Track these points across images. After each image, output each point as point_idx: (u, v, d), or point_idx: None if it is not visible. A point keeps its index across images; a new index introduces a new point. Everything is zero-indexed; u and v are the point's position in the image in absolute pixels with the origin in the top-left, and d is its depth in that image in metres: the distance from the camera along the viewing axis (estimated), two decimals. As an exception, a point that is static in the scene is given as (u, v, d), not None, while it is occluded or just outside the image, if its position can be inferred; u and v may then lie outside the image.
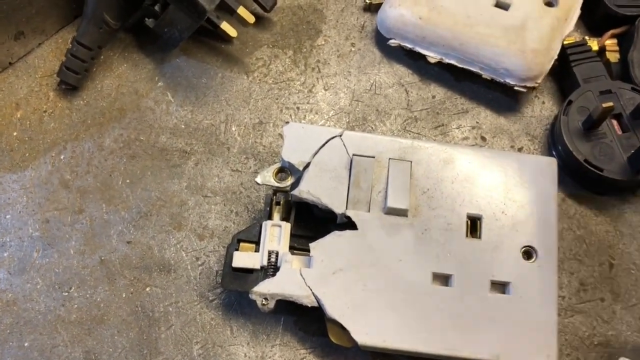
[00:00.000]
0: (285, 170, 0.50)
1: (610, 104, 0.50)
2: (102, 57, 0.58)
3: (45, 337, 0.48)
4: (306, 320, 0.49)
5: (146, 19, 0.56)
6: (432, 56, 0.56)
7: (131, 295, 0.49)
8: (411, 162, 0.48)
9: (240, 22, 0.56)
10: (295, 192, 0.48)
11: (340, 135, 0.49)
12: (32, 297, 0.49)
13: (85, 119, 0.55)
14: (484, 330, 0.44)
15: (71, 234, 0.51)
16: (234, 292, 0.49)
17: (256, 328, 0.48)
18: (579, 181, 0.54)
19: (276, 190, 0.50)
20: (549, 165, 0.49)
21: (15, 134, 0.55)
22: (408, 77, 0.58)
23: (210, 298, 0.49)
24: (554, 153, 0.54)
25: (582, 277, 0.51)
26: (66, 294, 0.49)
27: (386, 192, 0.47)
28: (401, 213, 0.47)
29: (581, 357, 0.48)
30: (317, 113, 0.56)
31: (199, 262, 0.50)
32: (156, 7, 0.55)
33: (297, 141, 0.49)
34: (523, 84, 0.54)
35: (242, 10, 0.55)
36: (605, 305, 0.50)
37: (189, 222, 0.52)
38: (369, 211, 0.47)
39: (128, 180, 0.53)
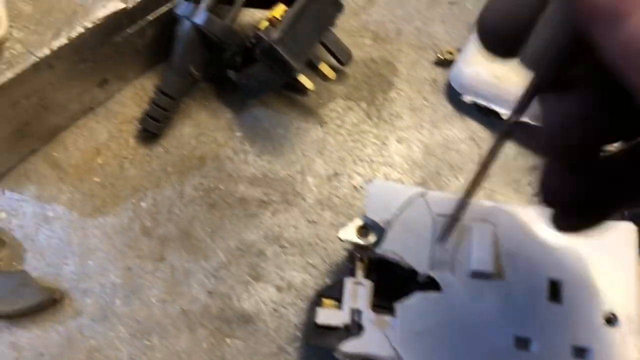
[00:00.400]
0: (368, 227, 0.50)
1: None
2: (182, 104, 0.59)
3: (128, 386, 0.49)
4: (383, 376, 0.49)
5: (228, 70, 0.57)
6: (506, 113, 0.57)
7: (212, 346, 0.50)
8: (495, 225, 0.49)
9: (320, 76, 0.57)
10: (379, 250, 0.48)
11: (424, 196, 0.50)
12: (115, 345, 0.50)
13: (165, 167, 0.56)
14: (567, 397, 0.45)
15: (152, 282, 0.52)
16: (315, 347, 0.49)
17: (335, 384, 0.49)
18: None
19: (357, 247, 0.50)
20: (629, 230, 0.50)
21: (96, 179, 0.56)
22: (480, 132, 0.59)
23: (289, 351, 0.50)
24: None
25: (657, 342, 0.51)
26: (148, 342, 0.50)
27: (470, 254, 0.48)
28: (485, 276, 0.47)
29: (658, 423, 0.49)
30: (390, 166, 0.57)
31: (277, 314, 0.51)
32: (237, 58, 0.56)
33: (380, 199, 0.50)
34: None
35: (323, 67, 0.56)
36: (681, 371, 0.50)
37: (266, 272, 0.53)
38: (452, 272, 0.48)
39: (208, 229, 0.54)
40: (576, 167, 0.24)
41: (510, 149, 0.58)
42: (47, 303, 0.50)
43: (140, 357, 0.49)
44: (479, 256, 0.48)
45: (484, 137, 0.59)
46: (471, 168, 0.57)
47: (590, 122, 0.22)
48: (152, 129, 0.56)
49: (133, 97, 0.59)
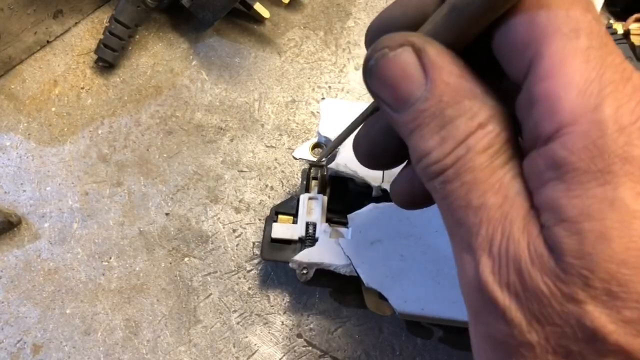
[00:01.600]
0: (321, 145, 0.51)
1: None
2: (137, 36, 0.59)
3: (86, 304, 0.49)
4: (342, 292, 0.50)
5: (182, -2, 0.57)
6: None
7: (170, 265, 0.50)
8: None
9: (273, 2, 0.57)
10: (332, 165, 0.49)
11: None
12: (73, 267, 0.50)
13: (121, 96, 0.56)
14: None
15: (110, 206, 0.52)
16: (272, 263, 0.50)
17: (293, 298, 0.49)
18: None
19: (312, 165, 0.51)
20: None
21: (53, 109, 0.56)
22: (437, 58, 0.59)
23: (248, 268, 0.50)
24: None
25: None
26: (106, 263, 0.50)
27: (422, 165, 0.48)
28: (436, 186, 0.48)
29: None
30: (348, 92, 0.58)
31: (236, 234, 0.51)
32: (191, -13, 0.56)
33: (333, 116, 0.50)
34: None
35: (277, -9, 0.56)
36: None
37: (225, 195, 0.53)
38: (404, 184, 0.48)
39: (165, 155, 0.54)
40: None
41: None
42: (4, 226, 0.50)
43: (98, 277, 0.50)
44: (431, 166, 0.48)
45: (441, 62, 0.59)
46: (428, 92, 0.58)
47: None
48: (108, 58, 0.56)
49: (90, 30, 0.59)
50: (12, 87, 0.56)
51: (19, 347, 0.47)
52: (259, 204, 0.53)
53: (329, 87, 0.58)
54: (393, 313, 0.46)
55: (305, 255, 0.47)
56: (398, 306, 0.45)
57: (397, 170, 0.33)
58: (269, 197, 0.53)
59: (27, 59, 0.57)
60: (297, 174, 0.54)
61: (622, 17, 0.60)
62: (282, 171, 0.54)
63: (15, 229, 0.51)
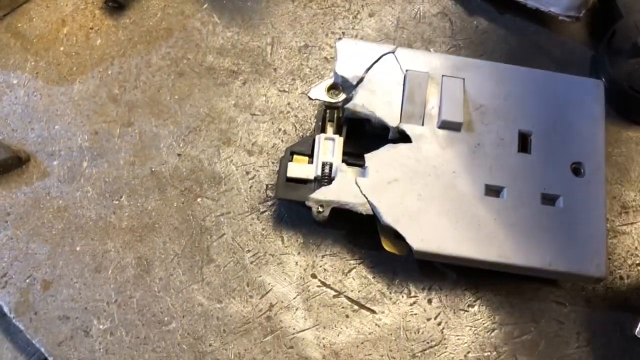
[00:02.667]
0: (337, 86, 0.50)
1: (658, 29, 0.51)
2: (147, -22, 0.58)
3: (96, 242, 0.48)
4: (355, 234, 0.49)
5: (195, -62, 0.55)
6: (477, -14, 0.57)
7: (182, 205, 0.49)
8: (464, 79, 0.49)
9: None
10: (350, 105, 0.48)
11: (394, 52, 0.50)
12: (83, 205, 0.49)
13: (132, 37, 0.55)
14: (535, 239, 0.45)
15: (120, 146, 0.51)
16: (285, 203, 0.49)
17: (306, 239, 0.49)
18: (622, 110, 0.54)
19: (328, 107, 0.50)
20: (596, 86, 0.50)
21: (62, 49, 0.54)
22: (452, 7, 0.59)
23: (261, 210, 0.50)
24: (597, 81, 0.55)
25: (625, 201, 0.52)
26: (117, 202, 0.49)
27: (440, 106, 0.48)
28: (455, 127, 0.48)
29: (624, 275, 0.49)
30: (362, 38, 0.57)
31: (249, 176, 0.51)
32: None
33: (351, 57, 0.49)
34: (567, 13, 0.55)
35: None
36: (646, 227, 0.51)
37: (237, 138, 0.52)
38: (422, 125, 0.48)
39: (176, 97, 0.53)
40: None
41: (481, 23, 0.58)
42: (13, 162, 0.49)
43: (109, 215, 0.49)
44: (449, 107, 0.48)
45: (455, 11, 0.58)
46: (442, 41, 0.57)
47: None
48: (118, -1, 0.55)
49: (98, -29, 0.58)
50: (19, 25, 0.55)
51: (29, 283, 0.47)
52: (272, 147, 0.52)
53: (343, 32, 0.57)
54: (409, 252, 0.45)
55: (323, 193, 0.46)
56: (415, 244, 0.45)
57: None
58: (282, 140, 0.52)
59: (34, -2, 0.56)
60: (310, 119, 0.53)
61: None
62: (296, 115, 0.53)
63: (24, 166, 0.50)
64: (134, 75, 0.54)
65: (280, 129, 0.53)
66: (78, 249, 0.48)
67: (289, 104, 0.54)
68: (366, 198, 0.46)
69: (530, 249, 0.45)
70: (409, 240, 0.45)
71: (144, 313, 0.46)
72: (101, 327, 0.46)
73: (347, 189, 0.46)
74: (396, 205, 0.45)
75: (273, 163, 0.51)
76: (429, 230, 0.45)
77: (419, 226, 0.45)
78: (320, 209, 0.46)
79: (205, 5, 0.57)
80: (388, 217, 0.45)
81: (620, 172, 0.53)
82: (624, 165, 0.53)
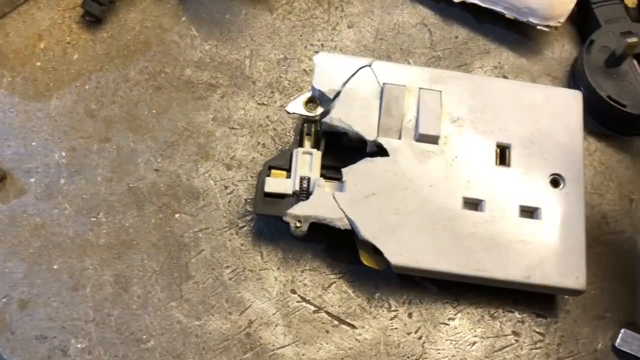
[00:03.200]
0: (315, 100, 0.50)
1: (635, 39, 0.51)
2: (125, -9, 0.57)
3: (74, 260, 0.48)
4: (335, 248, 0.49)
5: (172, -49, 0.55)
6: (456, -4, 0.57)
7: (160, 221, 0.49)
8: (441, 91, 0.49)
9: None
10: (327, 119, 0.48)
11: (371, 65, 0.49)
12: (60, 222, 0.49)
13: (109, 51, 0.55)
14: (514, 252, 0.45)
15: (98, 162, 0.51)
16: (264, 217, 0.49)
17: (286, 254, 0.49)
18: (601, 119, 0.54)
19: (305, 120, 0.50)
20: (575, 97, 0.50)
21: (38, 64, 0.54)
22: (431, 17, 0.58)
23: (240, 225, 0.49)
24: (576, 91, 0.55)
25: (604, 211, 0.52)
26: (94, 219, 0.49)
27: (417, 119, 0.48)
28: (432, 140, 0.47)
29: (604, 286, 0.49)
30: (341, 50, 0.57)
31: (228, 191, 0.50)
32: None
33: (328, 70, 0.49)
34: (545, 23, 0.55)
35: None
36: (626, 237, 0.51)
37: (216, 152, 0.52)
38: (400, 138, 0.48)
39: (154, 111, 0.53)
40: None
41: (461, 33, 0.58)
42: (-13, 180, 0.48)
43: (87, 233, 0.49)
44: (426, 120, 0.48)
45: (435, 22, 0.58)
46: (422, 52, 0.57)
47: None
48: (95, 12, 0.54)
49: (76, -15, 0.57)
50: (-5, 41, 0.55)
51: (5, 302, 0.46)
52: (251, 161, 0.52)
53: (322, 44, 0.57)
54: (387, 267, 0.45)
55: (300, 209, 0.46)
56: (393, 259, 0.44)
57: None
58: (261, 154, 0.52)
59: (11, 13, 0.56)
60: (289, 132, 0.53)
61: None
62: (274, 129, 0.53)
63: (0, 184, 0.49)
64: (112, 90, 0.53)
65: (259, 143, 0.53)
66: (55, 267, 0.47)
67: (267, 117, 0.54)
68: (344, 213, 0.45)
69: (509, 262, 0.45)
70: (386, 255, 0.44)
71: (122, 331, 0.46)
72: (79, 346, 0.45)
73: (324, 204, 0.46)
74: (374, 219, 0.45)
75: (252, 177, 0.51)
76: (406, 244, 0.45)
77: (397, 240, 0.45)
78: (298, 224, 0.46)
79: (184, 19, 0.57)
80: (366, 231, 0.45)
81: (600, 182, 0.53)
82: (603, 174, 0.53)
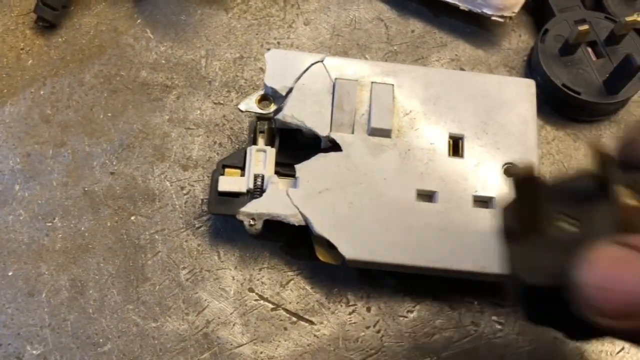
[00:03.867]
0: (268, 97, 0.50)
1: (586, 26, 0.51)
2: (79, -5, 0.57)
3: (29, 266, 0.47)
4: (292, 245, 0.49)
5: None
6: (411, -10, 0.57)
7: (116, 224, 0.49)
8: (393, 85, 0.49)
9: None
10: (279, 116, 0.48)
11: (322, 61, 0.49)
12: (15, 228, 0.48)
13: (64, 56, 0.55)
14: (469, 243, 0.45)
15: (53, 167, 0.51)
16: (221, 217, 0.49)
17: (243, 253, 0.49)
18: (557, 108, 0.55)
19: (259, 117, 0.50)
20: (528, 86, 0.50)
21: (-8, 71, 0.54)
22: (387, 12, 0.59)
23: (197, 225, 0.49)
24: (531, 80, 0.55)
25: (562, 199, 0.52)
26: (50, 224, 0.49)
27: (369, 113, 0.48)
28: (384, 134, 0.47)
29: (562, 273, 0.49)
30: (297, 47, 0.57)
31: (184, 192, 0.50)
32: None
33: (280, 67, 0.49)
34: (500, 14, 0.55)
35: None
36: (584, 224, 0.51)
37: (172, 153, 0.52)
38: (352, 133, 0.47)
39: (110, 114, 0.53)
40: None
41: (417, 27, 0.58)
42: (-60, 188, 0.48)
43: (42, 238, 0.48)
44: (378, 114, 0.48)
45: (391, 16, 0.58)
46: (378, 47, 0.57)
47: None
48: (48, 17, 0.54)
49: (29, -9, 0.57)
50: (-51, 49, 0.54)
51: (-41, 311, 0.46)
52: (208, 160, 0.52)
53: (278, 42, 0.57)
54: (343, 262, 0.45)
55: (253, 206, 0.46)
56: (347, 253, 0.44)
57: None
58: (217, 154, 0.52)
59: (-36, 21, 0.55)
60: (246, 131, 0.53)
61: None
62: (231, 128, 0.53)
63: (-46, 192, 0.49)
64: (67, 94, 0.53)
65: (215, 142, 0.52)
66: (10, 273, 0.47)
67: (224, 116, 0.53)
68: (297, 209, 0.45)
69: (463, 252, 0.45)
70: (340, 250, 0.44)
71: (78, 336, 0.46)
72: (34, 352, 0.45)
73: (278, 201, 0.46)
74: (327, 214, 0.45)
75: (208, 177, 0.51)
76: (360, 238, 0.45)
77: (351, 235, 0.45)
78: (252, 222, 0.45)
79: (139, 21, 0.57)
80: (320, 227, 0.45)
81: (558, 170, 0.53)
82: (561, 162, 0.53)
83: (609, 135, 0.54)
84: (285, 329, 0.47)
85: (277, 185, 0.46)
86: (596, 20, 0.55)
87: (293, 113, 0.48)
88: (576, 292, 0.26)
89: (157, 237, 0.49)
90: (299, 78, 0.49)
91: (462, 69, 0.56)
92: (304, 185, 0.46)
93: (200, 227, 0.49)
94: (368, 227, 0.45)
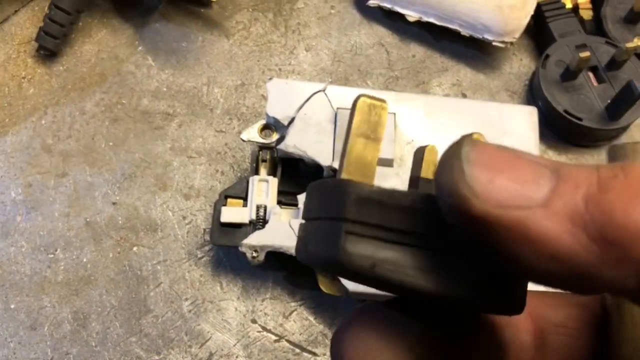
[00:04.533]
0: (270, 126, 0.50)
1: (587, 53, 0.51)
2: (80, 23, 0.57)
3: (31, 298, 0.47)
4: (295, 275, 0.49)
5: (124, -18, 0.55)
6: (411, 15, 0.57)
7: (118, 255, 0.49)
8: (395, 114, 0.49)
9: (219, -17, 0.56)
10: (282, 146, 0.48)
11: (324, 90, 0.49)
12: (17, 260, 0.48)
13: (65, 85, 0.55)
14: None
15: (55, 197, 0.50)
16: (223, 248, 0.49)
17: (246, 283, 0.48)
18: (559, 133, 0.55)
19: (261, 147, 0.50)
20: (530, 113, 0.50)
21: (-7, 100, 0.54)
22: (388, 37, 0.59)
23: (199, 256, 0.49)
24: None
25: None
26: (52, 255, 0.49)
27: (371, 143, 0.48)
28: (387, 163, 0.47)
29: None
30: (299, 74, 0.57)
31: (186, 221, 0.50)
32: (134, -29, 0.55)
33: (281, 97, 0.49)
34: (501, 39, 0.55)
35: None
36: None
37: (174, 182, 0.52)
38: (355, 162, 0.47)
39: (111, 143, 0.53)
40: None
41: (418, 52, 0.58)
42: (-59, 221, 0.48)
43: (44, 270, 0.48)
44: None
45: (392, 41, 0.58)
46: (380, 72, 0.57)
47: None
48: (49, 46, 0.54)
49: (30, 19, 0.57)
50: (-50, 78, 0.54)
51: (-39, 345, 0.46)
52: (210, 189, 0.52)
53: (280, 69, 0.57)
54: (346, 293, 0.45)
55: (256, 238, 0.46)
56: (350, 285, 0.44)
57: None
58: (219, 182, 0.52)
59: (-35, 50, 0.55)
60: (248, 159, 0.53)
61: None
62: (233, 156, 0.53)
63: (-45, 224, 0.49)
64: (68, 123, 0.53)
65: (217, 171, 0.52)
66: (12, 306, 0.47)
67: (226, 144, 0.53)
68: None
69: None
70: (344, 282, 0.44)
71: (81, 369, 0.46)
72: (37, 386, 0.45)
73: (281, 232, 0.46)
74: (330, 246, 0.45)
75: (210, 206, 0.51)
76: (364, 270, 0.45)
77: (354, 266, 0.45)
78: (255, 254, 0.45)
79: (140, 48, 0.57)
80: (323, 259, 0.45)
81: (560, 196, 0.53)
82: (564, 188, 0.53)
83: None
84: (289, 360, 0.46)
85: (279, 216, 0.46)
86: (597, 45, 0.55)
87: (295, 143, 0.48)
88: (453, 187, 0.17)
89: (159, 267, 0.48)
90: (300, 107, 0.49)
91: (463, 94, 0.56)
92: (307, 216, 0.46)
93: (203, 257, 0.49)
94: (371, 259, 0.45)
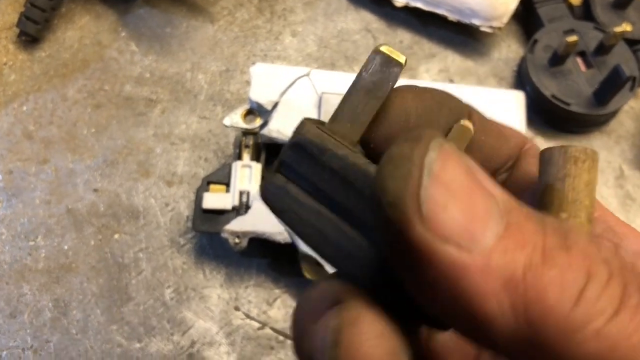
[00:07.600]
0: (254, 112, 0.49)
1: (574, 37, 0.51)
2: (63, 9, 0.56)
3: (11, 286, 0.47)
4: (279, 262, 0.48)
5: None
6: (400, 1, 0.56)
7: (100, 243, 0.48)
8: (380, 98, 0.48)
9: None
10: (265, 131, 0.47)
11: (308, 74, 0.49)
12: (-3, 248, 0.48)
13: (47, 71, 0.54)
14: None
15: (36, 184, 0.50)
16: (206, 234, 0.48)
17: (229, 270, 0.48)
18: (547, 119, 0.54)
19: (245, 132, 0.49)
20: (518, 98, 0.49)
21: (-26, 86, 0.53)
22: (375, 23, 0.58)
23: (182, 243, 0.48)
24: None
25: (552, 211, 0.51)
26: (32, 243, 0.48)
27: (356, 128, 0.47)
28: (372, 148, 0.47)
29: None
30: (285, 59, 0.56)
31: (169, 208, 0.50)
32: (117, -45, 0.54)
33: (265, 81, 0.48)
34: (489, 24, 0.55)
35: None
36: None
37: (156, 169, 0.51)
38: (339, 148, 0.47)
39: (93, 130, 0.52)
40: None
41: (406, 38, 0.57)
42: None
43: (24, 257, 0.47)
44: (365, 128, 0.47)
45: (379, 27, 0.58)
46: (366, 58, 0.56)
47: None
48: (30, 32, 0.53)
49: (12, 4, 0.56)
50: None
51: (-61, 334, 0.45)
52: (193, 176, 0.51)
53: (265, 55, 0.56)
54: (330, 279, 0.44)
55: (238, 224, 0.45)
56: (333, 270, 0.44)
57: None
58: (203, 169, 0.51)
59: (-55, 36, 0.55)
60: (232, 145, 0.52)
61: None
62: (217, 142, 0.52)
63: None
64: (50, 110, 0.52)
65: (201, 157, 0.52)
66: (-8, 294, 0.46)
67: (210, 130, 0.53)
68: (284, 227, 0.45)
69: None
70: (327, 267, 0.44)
71: (61, 357, 0.45)
72: (17, 375, 0.44)
73: (264, 218, 0.45)
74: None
75: (194, 193, 0.50)
76: (347, 256, 0.44)
77: (338, 252, 0.44)
78: (237, 240, 0.45)
79: (123, 34, 0.56)
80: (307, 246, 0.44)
81: (548, 183, 0.52)
82: (552, 175, 0.52)
83: (600, 146, 0.54)
84: (272, 348, 0.46)
85: (261, 202, 0.46)
86: (585, 30, 0.54)
87: (279, 127, 0.47)
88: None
89: (141, 255, 0.48)
90: (284, 92, 0.48)
91: (451, 80, 0.56)
92: (290, 202, 0.45)
93: (185, 244, 0.48)
94: (355, 244, 0.44)
